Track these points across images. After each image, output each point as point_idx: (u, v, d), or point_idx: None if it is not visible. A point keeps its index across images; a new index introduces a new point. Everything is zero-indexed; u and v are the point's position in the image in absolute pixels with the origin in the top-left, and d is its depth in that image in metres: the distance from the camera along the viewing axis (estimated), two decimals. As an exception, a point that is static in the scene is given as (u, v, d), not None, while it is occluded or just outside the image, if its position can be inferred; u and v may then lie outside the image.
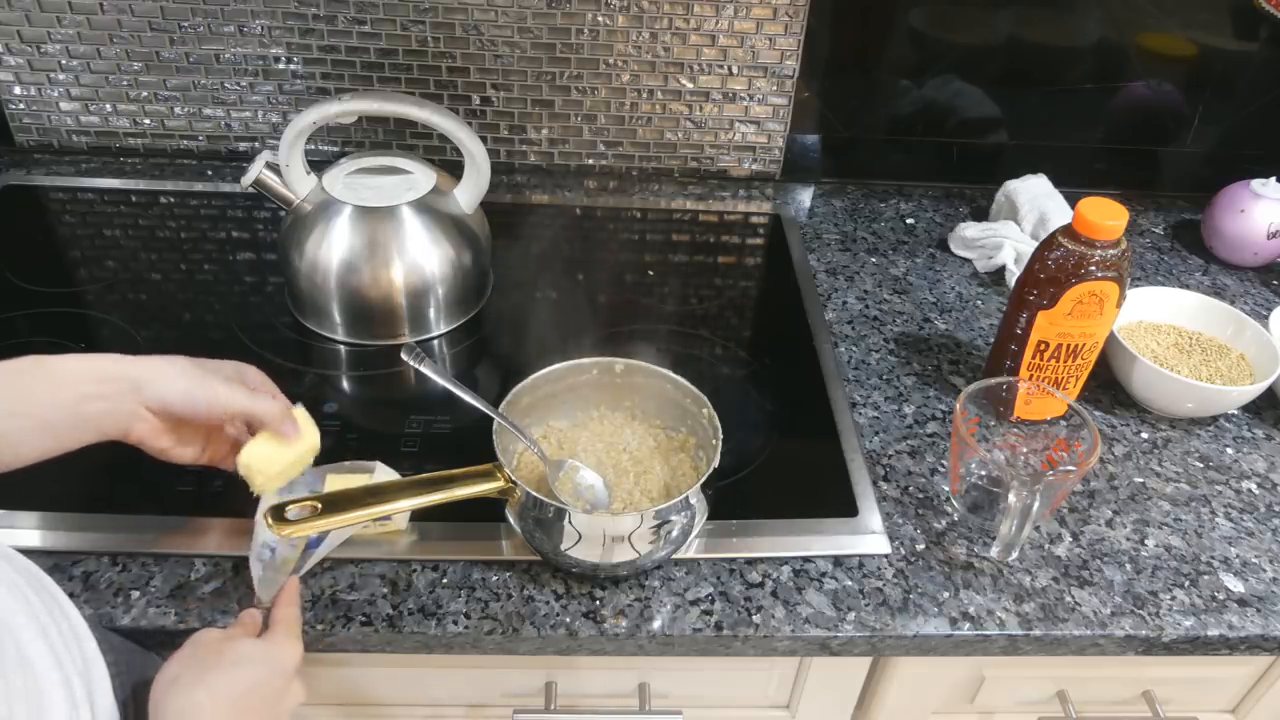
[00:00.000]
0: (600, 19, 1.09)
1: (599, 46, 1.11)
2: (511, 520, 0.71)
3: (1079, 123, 1.20)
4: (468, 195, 0.93)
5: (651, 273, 1.07)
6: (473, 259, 0.94)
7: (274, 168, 0.89)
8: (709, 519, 0.72)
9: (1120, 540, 0.78)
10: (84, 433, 0.61)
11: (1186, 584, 0.75)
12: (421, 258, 0.90)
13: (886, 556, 0.75)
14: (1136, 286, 0.97)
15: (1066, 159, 1.20)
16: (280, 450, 0.67)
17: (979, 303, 1.05)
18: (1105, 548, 0.78)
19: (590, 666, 0.77)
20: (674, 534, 0.69)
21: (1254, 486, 0.85)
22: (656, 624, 0.69)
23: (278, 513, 0.64)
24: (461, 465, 0.70)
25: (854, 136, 1.20)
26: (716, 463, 0.70)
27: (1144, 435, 0.89)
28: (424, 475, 0.69)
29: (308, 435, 0.69)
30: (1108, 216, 0.76)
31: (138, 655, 0.65)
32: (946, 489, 0.81)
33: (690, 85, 1.14)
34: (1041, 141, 1.20)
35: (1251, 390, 0.87)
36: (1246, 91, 1.17)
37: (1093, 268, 0.77)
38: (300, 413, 0.69)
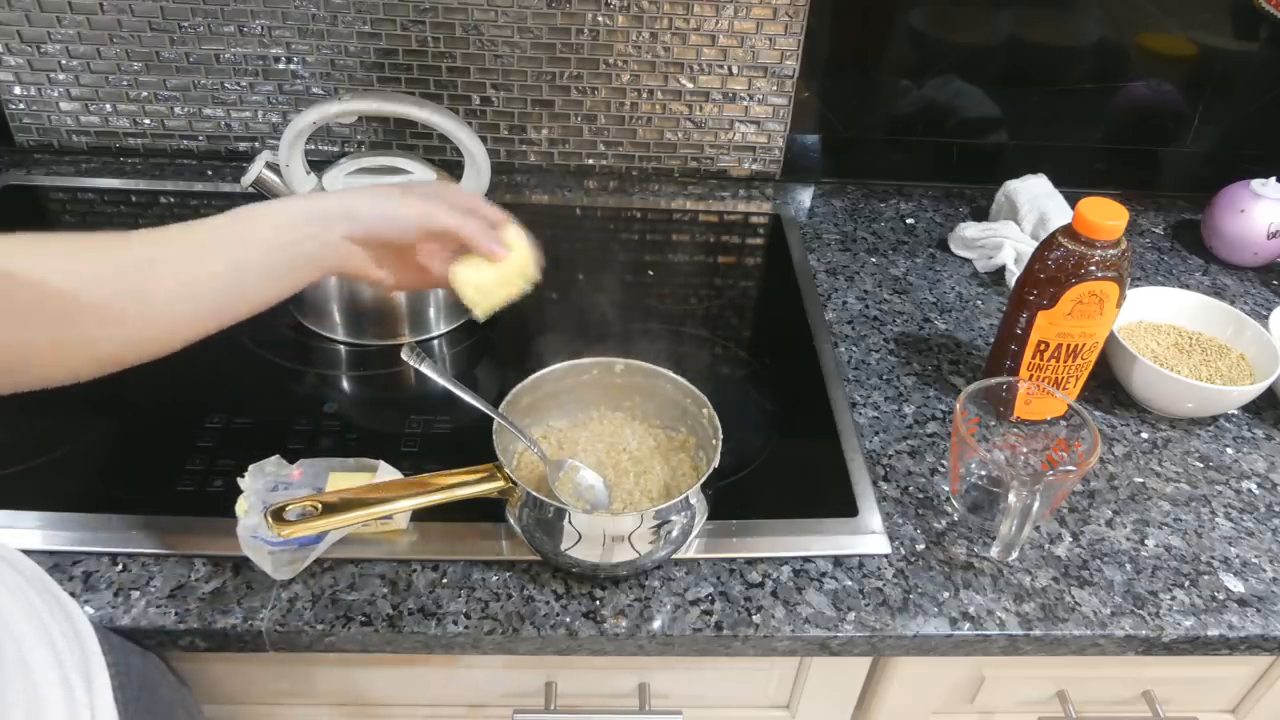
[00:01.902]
0: (600, 19, 1.09)
1: (599, 46, 1.11)
2: (511, 520, 0.71)
3: (1079, 123, 1.20)
4: (468, 195, 0.93)
5: (651, 273, 1.07)
6: (473, 259, 0.94)
7: (274, 168, 0.89)
8: (709, 519, 0.72)
9: (1120, 540, 0.78)
10: (303, 272, 0.62)
11: (1186, 584, 0.75)
12: (421, 258, 0.90)
13: (886, 556, 0.75)
14: (1136, 286, 0.97)
15: (1066, 159, 1.20)
16: (491, 266, 0.66)
17: (979, 303, 1.05)
18: (1105, 548, 0.78)
19: (590, 666, 0.77)
20: (674, 534, 0.69)
21: (1254, 486, 0.85)
22: (656, 624, 0.69)
23: (277, 513, 0.64)
24: (461, 465, 0.70)
25: (854, 136, 1.20)
26: (716, 463, 0.70)
27: (1144, 435, 0.89)
28: (424, 475, 0.70)
29: (518, 254, 0.68)
30: (1108, 216, 0.76)
31: (137, 655, 0.65)
32: (946, 489, 0.81)
33: (690, 85, 1.14)
34: (1041, 141, 1.20)
35: (1251, 390, 0.87)
36: (1246, 91, 1.17)
37: (1093, 268, 0.77)
38: (513, 232, 0.68)
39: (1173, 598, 0.74)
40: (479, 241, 0.65)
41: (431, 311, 0.94)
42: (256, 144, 1.17)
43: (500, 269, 0.67)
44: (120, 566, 0.70)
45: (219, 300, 0.59)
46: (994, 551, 0.73)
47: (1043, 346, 0.82)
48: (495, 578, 0.71)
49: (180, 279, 0.57)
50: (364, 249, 0.63)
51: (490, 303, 0.68)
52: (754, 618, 0.70)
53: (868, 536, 0.76)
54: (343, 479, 0.74)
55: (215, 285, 0.59)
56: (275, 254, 0.60)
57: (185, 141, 1.17)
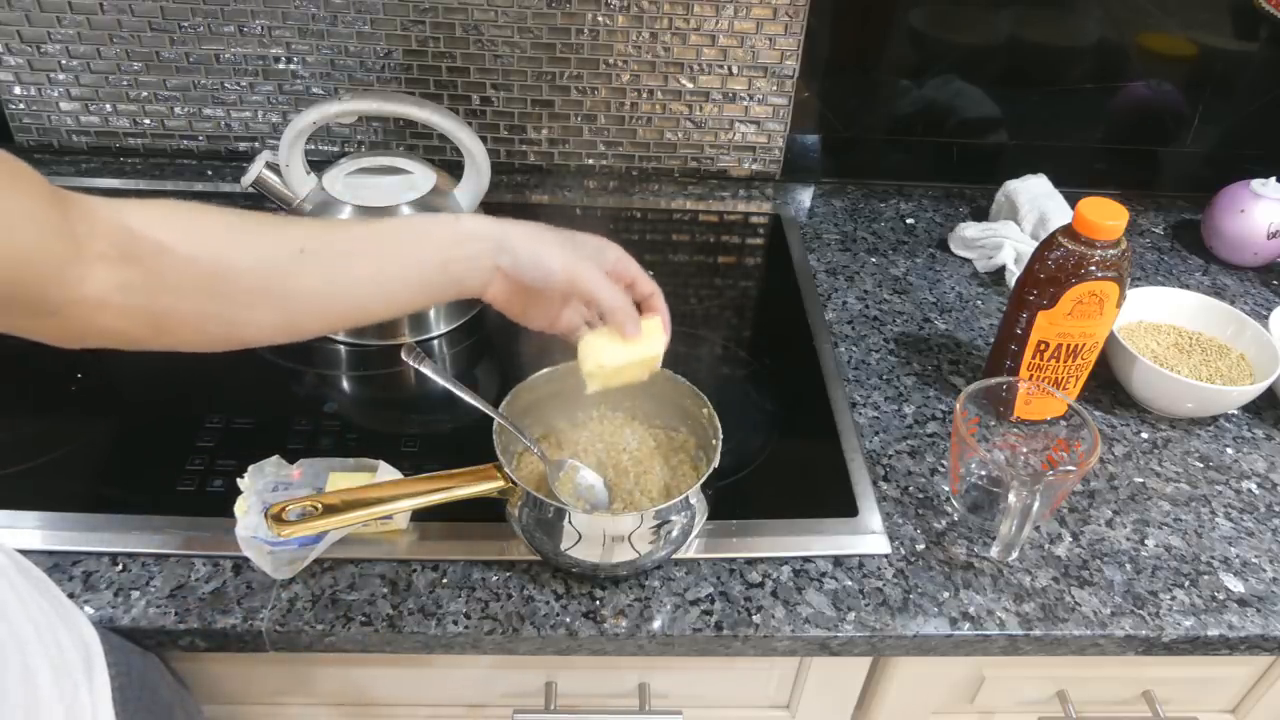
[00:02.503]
0: (600, 19, 1.09)
1: (599, 46, 1.11)
2: (511, 520, 0.71)
3: (1079, 123, 1.20)
4: (468, 195, 0.93)
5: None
6: (473, 259, 0.94)
7: (274, 168, 0.89)
8: (709, 519, 0.72)
9: (1120, 540, 0.78)
10: (449, 288, 0.62)
11: (1186, 584, 0.75)
12: (421, 258, 0.90)
13: (886, 556, 0.75)
14: (1136, 286, 0.97)
15: (1066, 159, 1.20)
16: (620, 345, 0.66)
17: (979, 303, 1.05)
18: (1105, 548, 0.78)
19: (590, 666, 0.77)
20: (674, 534, 0.69)
21: (1254, 486, 0.85)
22: (656, 624, 0.69)
23: (277, 513, 0.64)
24: (461, 465, 0.70)
25: (854, 136, 1.20)
26: (716, 463, 0.70)
27: (1144, 435, 0.89)
28: (424, 475, 0.70)
29: (651, 342, 0.67)
30: (1108, 216, 0.76)
31: (137, 655, 0.65)
32: (946, 489, 0.81)
33: (690, 85, 1.14)
34: (1041, 141, 1.20)
35: (1251, 390, 0.87)
36: (1246, 91, 1.17)
37: (1093, 268, 0.77)
38: (653, 323, 0.68)
39: (1173, 598, 0.74)
40: (619, 318, 0.65)
41: (431, 311, 0.94)
42: (256, 144, 1.17)
43: (627, 351, 0.66)
44: (120, 566, 0.70)
45: (359, 303, 0.60)
46: (994, 551, 0.73)
47: (1043, 346, 0.82)
48: (495, 578, 0.71)
49: (326, 278, 0.58)
50: (506, 282, 0.64)
51: (607, 381, 0.68)
52: (754, 618, 0.70)
53: (868, 536, 0.76)
54: (343, 479, 0.74)
55: (359, 289, 0.60)
56: (427, 269, 0.61)
57: (185, 141, 1.17)
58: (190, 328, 0.55)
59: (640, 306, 0.69)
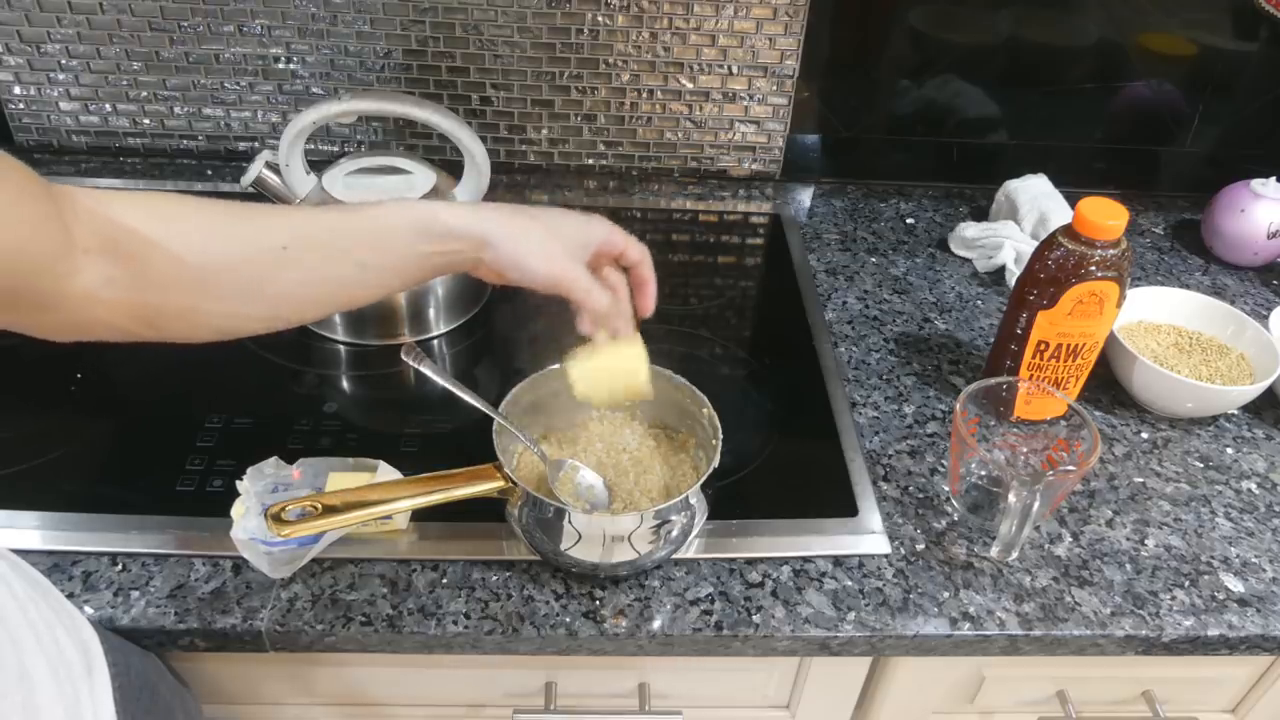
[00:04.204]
0: (600, 19, 1.09)
1: (599, 46, 1.11)
2: (511, 520, 0.71)
3: (1079, 123, 1.20)
4: (468, 195, 0.93)
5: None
6: (473, 259, 0.94)
7: (274, 167, 0.89)
8: (709, 519, 0.72)
9: (1120, 540, 0.78)
10: (428, 276, 0.63)
11: (1186, 584, 0.75)
12: (421, 258, 0.90)
13: (886, 556, 0.75)
14: (1136, 286, 0.97)
15: (1066, 159, 1.20)
16: (606, 359, 0.66)
17: (979, 303, 1.05)
18: (1105, 548, 0.78)
19: (590, 666, 0.77)
20: (674, 534, 0.69)
21: (1254, 486, 0.84)
22: (656, 624, 0.69)
23: (277, 513, 0.64)
24: (461, 465, 0.70)
25: (854, 136, 1.20)
26: (716, 463, 0.70)
27: (1144, 435, 0.89)
28: (424, 475, 0.69)
29: (631, 356, 0.67)
30: (1108, 216, 0.76)
31: (137, 655, 0.65)
32: (946, 489, 0.81)
33: (690, 85, 1.14)
34: (1041, 141, 1.20)
35: (1251, 390, 0.87)
36: (1246, 91, 1.17)
37: (1093, 268, 0.77)
38: (635, 349, 0.67)
39: (1173, 598, 0.74)
40: (609, 321, 0.65)
41: (431, 311, 0.94)
42: (256, 144, 1.17)
43: (608, 359, 0.66)
44: (120, 566, 0.70)
45: (344, 294, 0.61)
46: (994, 551, 0.73)
47: (1043, 346, 0.82)
48: (495, 578, 0.71)
49: (309, 274, 0.58)
50: (490, 273, 0.64)
51: (601, 405, 0.69)
52: (754, 618, 0.70)
53: (868, 536, 0.76)
54: (342, 479, 0.74)
55: (341, 282, 0.60)
56: (408, 259, 0.61)
57: (185, 141, 1.17)
58: (182, 322, 0.56)
59: (630, 275, 0.68)
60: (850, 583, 0.73)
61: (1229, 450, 0.88)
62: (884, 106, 1.18)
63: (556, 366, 0.76)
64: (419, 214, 0.61)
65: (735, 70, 1.13)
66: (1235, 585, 0.75)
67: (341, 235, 0.60)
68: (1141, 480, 0.84)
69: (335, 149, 1.18)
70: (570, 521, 0.67)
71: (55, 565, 0.69)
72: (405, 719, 0.81)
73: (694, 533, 0.70)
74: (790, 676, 0.80)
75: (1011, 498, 0.70)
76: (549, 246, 0.62)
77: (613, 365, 0.67)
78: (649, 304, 0.69)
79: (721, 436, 0.71)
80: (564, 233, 0.64)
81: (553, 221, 0.64)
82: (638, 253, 0.68)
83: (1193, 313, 0.96)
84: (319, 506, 0.65)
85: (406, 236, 0.60)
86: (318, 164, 0.93)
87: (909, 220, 1.19)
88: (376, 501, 0.67)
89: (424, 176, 0.93)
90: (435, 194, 0.91)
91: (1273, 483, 0.85)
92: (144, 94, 1.13)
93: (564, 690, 0.77)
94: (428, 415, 0.85)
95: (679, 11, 1.09)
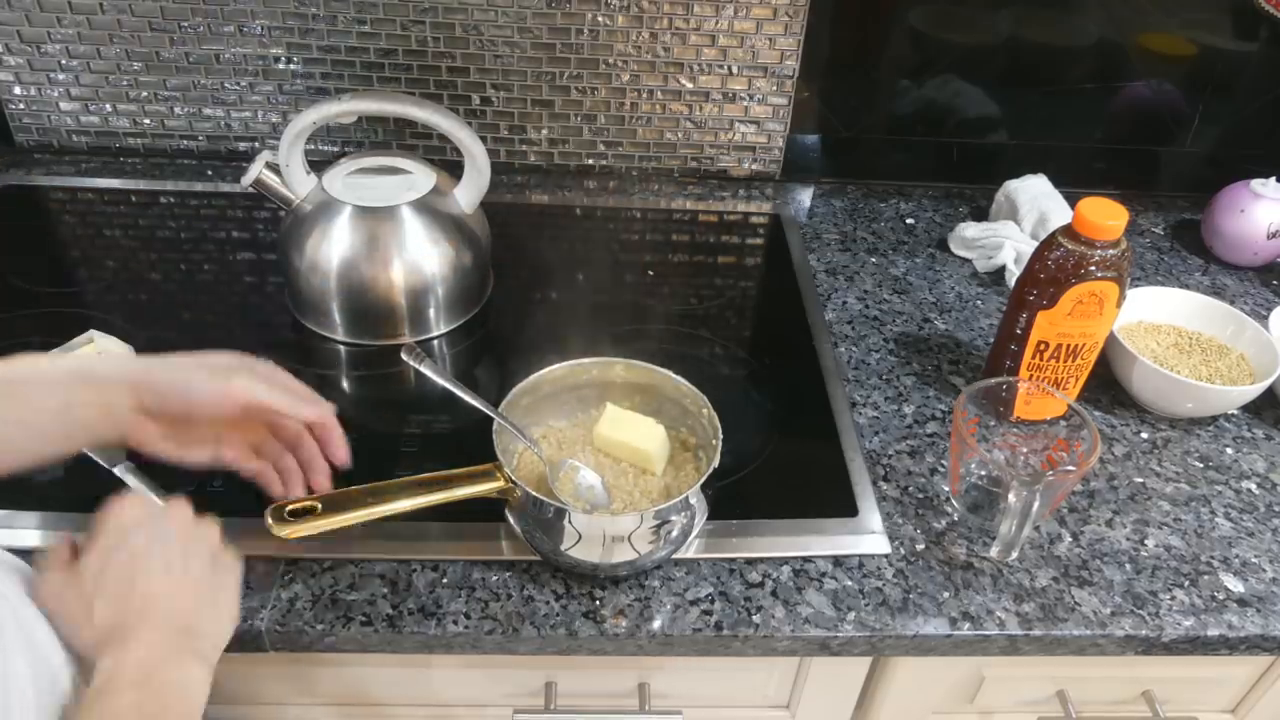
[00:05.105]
0: (600, 19, 1.09)
1: (599, 46, 1.11)
2: (511, 520, 0.71)
3: (1079, 123, 1.20)
4: (468, 195, 0.93)
5: (651, 273, 1.07)
6: (473, 259, 0.94)
7: (274, 168, 0.89)
8: (709, 519, 0.72)
9: (1120, 540, 0.78)
10: (77, 437, 0.58)
11: (1186, 584, 0.75)
12: (421, 258, 0.90)
13: (886, 556, 0.75)
14: (1136, 286, 0.97)
15: (1066, 159, 1.20)
16: (628, 432, 0.75)
17: (979, 303, 1.05)
18: (1105, 548, 0.78)
19: (590, 666, 0.77)
20: (674, 534, 0.69)
21: (1254, 486, 0.85)
22: (656, 624, 0.69)
23: (278, 513, 0.64)
24: (461, 465, 0.70)
25: (854, 136, 1.20)
26: (716, 463, 0.70)
27: (1144, 435, 0.89)
28: (424, 475, 0.69)
29: (651, 437, 0.75)
30: (1108, 216, 0.76)
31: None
32: (946, 489, 0.81)
33: (690, 85, 1.14)
34: (1041, 141, 1.20)
35: (1251, 390, 0.87)
36: (1246, 91, 1.17)
37: (1093, 268, 0.77)
38: (656, 429, 0.75)
39: (1172, 598, 0.74)
40: (296, 410, 0.63)
41: (431, 311, 0.94)
42: (256, 144, 1.17)
43: (630, 432, 0.74)
44: (120, 566, 0.70)
45: None
46: (994, 551, 0.73)
47: (1043, 346, 0.82)
48: (495, 578, 0.71)
49: None
50: (155, 421, 0.60)
51: (608, 449, 0.76)
52: (754, 618, 0.70)
53: (868, 536, 0.76)
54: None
55: None
56: (44, 416, 0.56)
57: (185, 141, 1.17)
58: None
59: (312, 433, 0.67)
60: (850, 583, 0.73)
61: (1229, 450, 0.88)
62: (884, 106, 1.18)
63: (557, 366, 0.76)
64: (59, 363, 0.59)
65: (735, 70, 1.13)
66: (1235, 585, 0.75)
67: None
68: (1141, 480, 0.84)
69: (335, 149, 1.18)
70: (570, 521, 0.67)
71: (55, 565, 0.69)
72: (405, 719, 0.81)
73: (694, 533, 0.70)
74: (790, 676, 0.80)
75: (1011, 498, 0.70)
76: (204, 370, 0.61)
77: (632, 441, 0.74)
78: (341, 453, 0.67)
79: (721, 436, 0.71)
80: (218, 360, 0.62)
81: (203, 357, 0.62)
82: (312, 413, 0.65)
83: (1192, 313, 0.96)
84: (319, 506, 0.65)
85: (42, 385, 0.57)
86: (318, 164, 0.93)
87: (909, 220, 1.19)
88: (377, 502, 0.67)
89: (424, 176, 0.93)
90: (435, 194, 0.91)
91: (1272, 483, 0.85)
92: (144, 94, 1.13)
93: (564, 690, 0.77)
94: (428, 415, 0.85)
95: (679, 12, 1.09)
